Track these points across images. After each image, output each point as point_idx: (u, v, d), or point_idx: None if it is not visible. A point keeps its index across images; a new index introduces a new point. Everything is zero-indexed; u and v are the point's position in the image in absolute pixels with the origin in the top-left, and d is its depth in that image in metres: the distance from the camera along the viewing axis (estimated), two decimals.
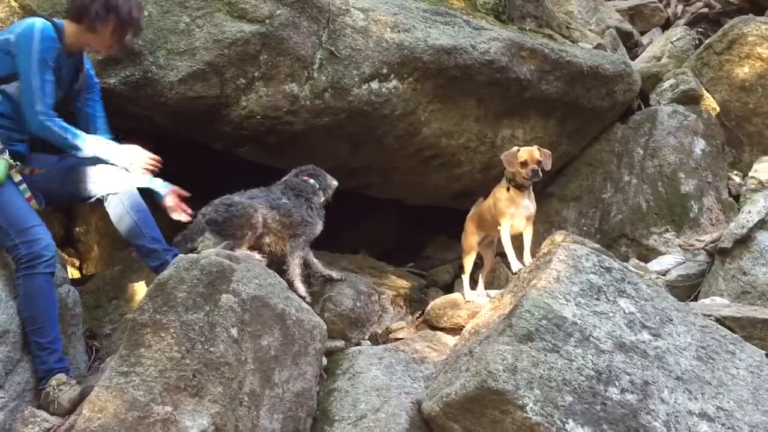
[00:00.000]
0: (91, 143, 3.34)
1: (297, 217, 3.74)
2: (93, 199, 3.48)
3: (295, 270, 3.71)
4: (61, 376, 3.07)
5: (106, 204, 3.44)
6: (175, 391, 2.65)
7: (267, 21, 3.89)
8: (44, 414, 2.92)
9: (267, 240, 3.68)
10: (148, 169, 3.46)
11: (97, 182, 3.43)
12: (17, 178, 3.20)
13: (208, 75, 3.84)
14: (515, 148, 3.74)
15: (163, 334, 2.71)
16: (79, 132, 3.32)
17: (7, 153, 3.17)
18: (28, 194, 3.21)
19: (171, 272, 2.82)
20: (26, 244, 3.05)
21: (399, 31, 4.25)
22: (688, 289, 4.35)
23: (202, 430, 2.63)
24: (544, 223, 5.35)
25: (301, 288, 3.68)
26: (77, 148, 3.30)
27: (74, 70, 3.44)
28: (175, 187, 3.60)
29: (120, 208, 3.40)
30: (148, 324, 2.72)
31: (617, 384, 2.75)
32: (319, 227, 3.88)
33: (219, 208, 3.56)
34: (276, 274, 3.29)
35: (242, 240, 3.54)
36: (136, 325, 2.73)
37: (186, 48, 3.80)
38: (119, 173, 3.42)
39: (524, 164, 3.63)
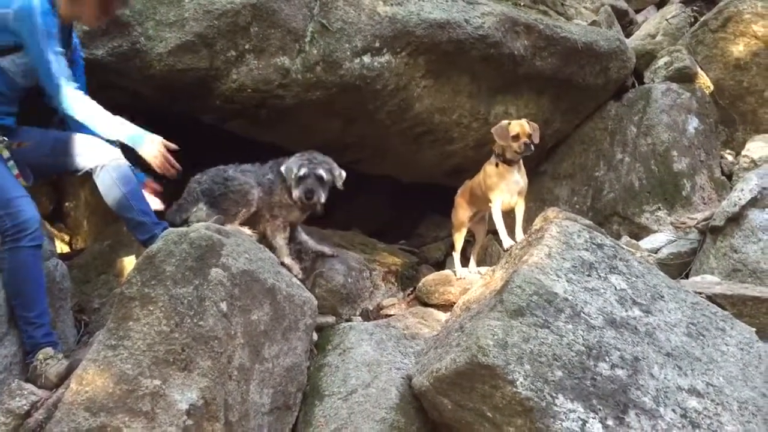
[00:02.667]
0: (116, 126, 3.22)
1: (275, 198, 3.67)
2: (82, 172, 3.41)
3: (281, 250, 3.65)
4: (48, 350, 3.04)
5: (94, 176, 3.38)
6: (164, 364, 2.64)
7: None
8: (31, 387, 2.89)
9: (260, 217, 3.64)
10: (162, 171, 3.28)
11: (85, 154, 3.35)
12: (6, 154, 3.15)
13: (197, 47, 3.78)
14: (505, 122, 3.71)
15: (151, 308, 2.69)
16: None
17: None
18: (15, 171, 3.16)
19: (160, 246, 2.80)
20: (10, 216, 3.01)
21: (392, 5, 4.20)
22: (679, 267, 4.35)
23: (191, 404, 2.62)
24: (537, 201, 5.33)
25: (294, 266, 3.64)
26: (102, 129, 3.22)
27: (64, 44, 3.38)
28: (149, 180, 3.53)
29: (109, 181, 3.34)
30: (137, 297, 2.70)
31: (607, 359, 2.75)
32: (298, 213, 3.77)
33: (216, 179, 3.52)
34: (266, 249, 3.27)
35: (235, 216, 3.51)
36: (124, 299, 2.70)
37: (175, 19, 3.74)
38: (107, 145, 3.36)
39: (516, 138, 3.61)
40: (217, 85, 3.93)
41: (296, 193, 3.59)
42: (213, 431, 2.65)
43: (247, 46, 3.88)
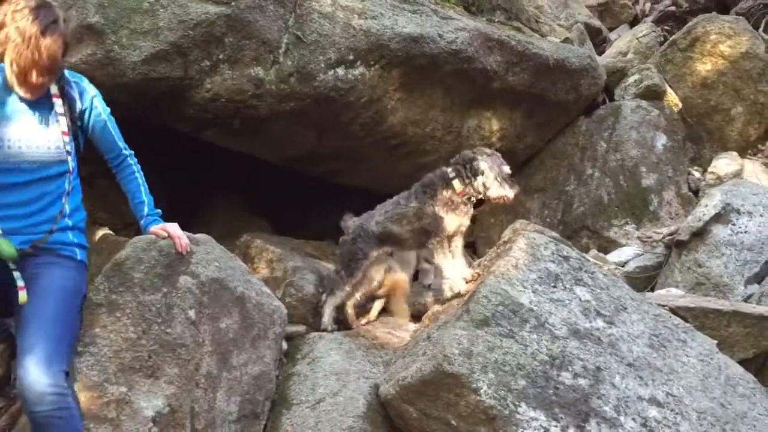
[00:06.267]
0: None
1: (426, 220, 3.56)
2: None
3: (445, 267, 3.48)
4: None
5: None
6: (130, 371, 2.65)
7: (233, 3, 3.84)
8: None
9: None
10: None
11: None
12: None
13: (171, 56, 3.79)
14: None
15: (119, 315, 2.70)
16: None
17: None
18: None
19: (128, 252, 2.81)
20: None
21: (366, 18, 4.25)
22: (645, 280, 4.44)
23: (157, 411, 2.63)
24: (508, 214, 5.40)
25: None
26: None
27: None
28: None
29: None
30: (104, 304, 2.71)
31: (570, 369, 2.80)
32: None
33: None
34: (236, 257, 3.28)
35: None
36: (91, 305, 2.71)
37: (150, 28, 3.74)
38: None
39: None
40: (192, 94, 3.95)
41: (503, 191, 3.44)
42: None
43: (221, 56, 3.90)
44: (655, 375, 2.92)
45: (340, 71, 4.17)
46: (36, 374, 2.35)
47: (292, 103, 4.14)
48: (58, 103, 2.75)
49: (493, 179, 3.41)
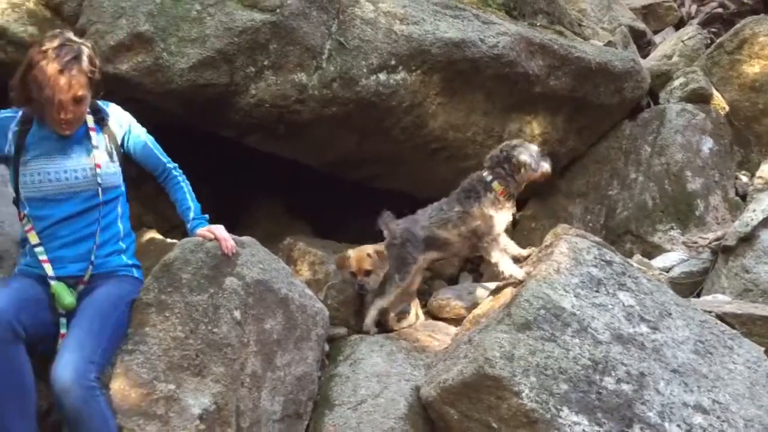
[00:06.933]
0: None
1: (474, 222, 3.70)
2: None
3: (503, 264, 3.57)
4: None
5: None
6: (178, 369, 2.71)
7: (278, 10, 3.92)
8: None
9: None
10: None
11: None
12: None
13: (218, 63, 3.88)
14: (348, 252, 3.68)
15: (167, 314, 2.77)
16: None
17: None
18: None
19: (177, 254, 2.88)
20: None
21: (408, 24, 4.28)
22: (691, 286, 4.37)
23: (204, 409, 2.69)
24: (550, 219, 5.36)
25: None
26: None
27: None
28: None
29: None
30: (153, 304, 2.78)
31: (613, 374, 2.78)
32: None
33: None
34: (280, 260, 3.34)
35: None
36: (141, 305, 2.79)
37: (197, 36, 3.84)
38: None
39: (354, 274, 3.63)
40: (237, 100, 4.03)
41: (544, 166, 3.72)
42: None
43: (266, 63, 3.98)
44: (700, 381, 2.88)
45: (382, 76, 4.21)
46: (65, 367, 2.49)
47: (334, 108, 4.20)
48: (94, 136, 2.91)
49: (535, 163, 3.63)
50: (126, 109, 3.33)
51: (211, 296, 2.84)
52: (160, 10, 3.76)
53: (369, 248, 3.51)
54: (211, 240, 2.94)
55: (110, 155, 2.97)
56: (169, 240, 4.13)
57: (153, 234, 4.29)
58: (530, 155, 3.65)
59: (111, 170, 2.97)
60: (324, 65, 4.09)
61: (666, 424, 2.69)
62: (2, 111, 2.88)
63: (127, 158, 3.09)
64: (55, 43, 2.74)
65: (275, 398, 2.98)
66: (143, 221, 4.76)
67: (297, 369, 3.11)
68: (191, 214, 3.04)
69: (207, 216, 3.06)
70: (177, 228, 4.41)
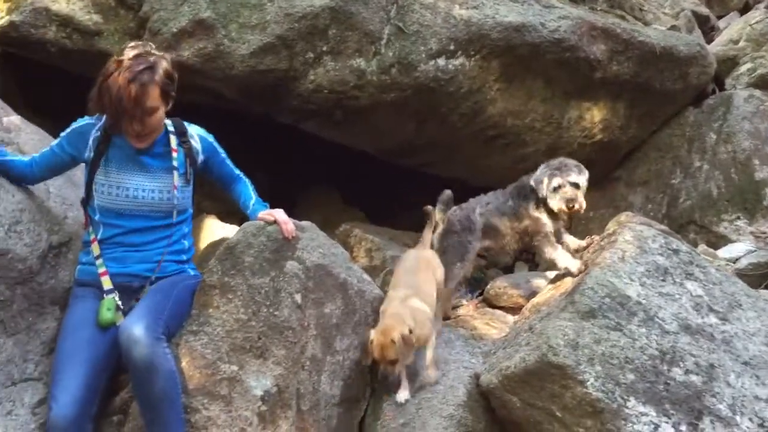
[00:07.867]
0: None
1: (525, 222, 3.63)
2: None
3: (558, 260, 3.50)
4: None
5: None
6: (241, 351, 2.75)
7: None
8: None
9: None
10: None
11: None
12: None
13: (278, 48, 3.91)
14: (370, 334, 2.98)
15: (230, 296, 2.80)
16: None
17: None
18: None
19: (239, 237, 2.91)
20: (52, 398, 2.58)
21: (467, 8, 4.23)
22: (759, 277, 4.21)
23: (266, 391, 2.72)
24: (610, 208, 5.26)
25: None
26: None
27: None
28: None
29: None
30: (217, 286, 2.82)
31: (681, 365, 2.70)
32: None
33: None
34: (338, 245, 3.34)
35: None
36: (205, 287, 2.83)
37: (257, 22, 3.87)
38: None
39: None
40: (295, 85, 4.05)
41: (555, 204, 3.44)
42: (285, 418, 2.74)
43: (324, 48, 3.99)
44: None
45: (441, 62, 4.18)
46: (135, 322, 2.54)
47: (392, 94, 4.18)
48: (176, 157, 2.94)
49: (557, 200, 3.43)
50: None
51: (272, 279, 2.86)
52: None
53: (395, 330, 2.91)
54: (271, 223, 2.95)
55: (187, 178, 3.00)
56: (227, 224, 4.19)
57: (211, 218, 4.35)
58: (545, 180, 3.45)
59: (186, 194, 3.01)
60: (383, 51, 4.08)
61: (738, 417, 2.60)
62: (86, 117, 2.92)
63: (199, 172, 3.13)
64: (132, 53, 2.76)
65: (334, 382, 2.99)
66: (202, 207, 4.84)
67: (355, 354, 3.11)
68: (252, 201, 3.08)
69: (267, 203, 3.09)
70: (234, 214, 4.47)
